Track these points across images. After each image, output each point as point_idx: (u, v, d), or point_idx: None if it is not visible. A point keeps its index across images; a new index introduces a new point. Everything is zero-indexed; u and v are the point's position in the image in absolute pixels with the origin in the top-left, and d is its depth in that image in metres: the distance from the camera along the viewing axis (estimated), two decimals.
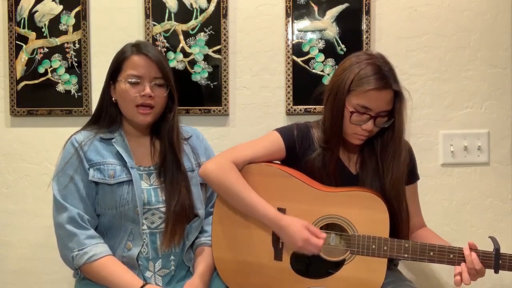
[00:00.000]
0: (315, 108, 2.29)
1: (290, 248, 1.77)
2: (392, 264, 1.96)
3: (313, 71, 2.31)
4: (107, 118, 1.89)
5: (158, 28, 2.30)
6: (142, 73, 1.83)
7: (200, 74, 2.31)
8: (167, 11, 2.30)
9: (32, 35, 2.30)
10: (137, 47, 1.86)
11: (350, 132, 1.81)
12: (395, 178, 1.82)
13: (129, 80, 1.82)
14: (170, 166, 1.87)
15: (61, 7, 2.30)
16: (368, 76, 1.74)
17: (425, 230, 1.97)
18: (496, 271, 1.67)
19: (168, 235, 1.83)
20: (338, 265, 1.76)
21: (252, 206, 1.76)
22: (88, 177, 1.79)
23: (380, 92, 1.74)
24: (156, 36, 2.30)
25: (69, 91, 2.31)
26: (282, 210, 1.80)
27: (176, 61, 2.30)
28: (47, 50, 2.30)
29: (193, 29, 2.30)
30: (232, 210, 1.84)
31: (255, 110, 2.35)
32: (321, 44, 2.31)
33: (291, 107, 2.31)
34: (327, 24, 2.31)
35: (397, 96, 1.78)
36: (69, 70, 2.30)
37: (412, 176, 1.94)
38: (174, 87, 1.89)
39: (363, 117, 1.76)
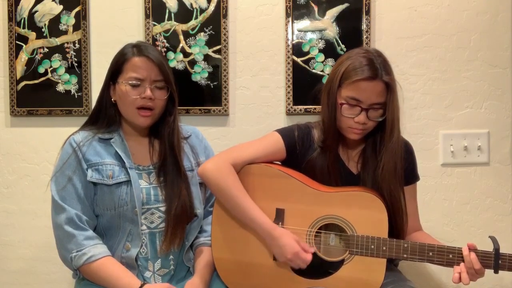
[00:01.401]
0: (315, 108, 2.29)
1: (279, 259, 1.77)
2: (392, 264, 1.96)
3: (313, 71, 2.31)
4: (106, 118, 1.88)
5: (158, 28, 2.30)
6: (143, 76, 1.82)
7: (200, 74, 2.31)
8: (167, 11, 2.30)
9: (32, 35, 2.30)
10: (138, 48, 1.85)
11: (345, 126, 1.80)
12: (385, 170, 1.80)
13: (130, 82, 1.81)
14: (170, 168, 1.87)
15: (61, 7, 2.30)
16: (358, 68, 1.74)
17: (420, 233, 1.96)
18: (496, 271, 1.66)
19: (169, 237, 1.82)
20: (337, 265, 1.76)
21: (246, 213, 1.77)
22: (87, 178, 1.79)
23: (369, 82, 1.73)
24: (156, 36, 2.30)
25: (69, 91, 2.31)
26: (281, 211, 1.80)
27: (176, 61, 2.30)
28: (47, 50, 2.30)
29: (193, 29, 2.30)
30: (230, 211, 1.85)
31: (255, 110, 2.35)
32: (321, 44, 2.31)
33: (291, 107, 2.31)
34: (327, 24, 2.31)
35: (389, 88, 1.77)
36: (69, 70, 2.31)
37: (411, 176, 1.94)
38: (175, 89, 1.89)
39: (354, 109, 1.76)
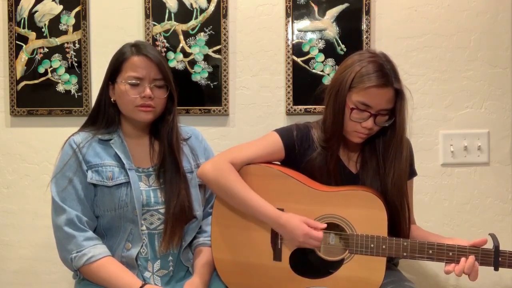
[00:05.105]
0: (315, 108, 2.29)
1: (291, 244, 1.77)
2: (392, 263, 1.96)
3: (313, 71, 2.31)
4: (105, 118, 1.88)
5: (158, 28, 2.30)
6: (142, 75, 1.82)
7: (200, 74, 2.31)
8: (167, 11, 2.30)
9: (32, 35, 2.30)
10: (136, 48, 1.85)
11: (350, 130, 1.81)
12: (397, 177, 1.82)
13: (129, 81, 1.81)
14: (169, 168, 1.87)
15: (61, 7, 2.30)
16: (369, 74, 1.74)
17: (413, 228, 1.96)
18: (496, 269, 1.67)
19: (168, 236, 1.82)
20: (337, 264, 1.76)
21: (251, 206, 1.77)
22: (87, 179, 1.79)
23: (381, 89, 1.74)
24: (156, 36, 2.30)
25: (69, 91, 2.31)
26: (280, 211, 1.80)
27: (176, 61, 2.31)
28: (47, 50, 2.31)
29: (193, 29, 2.31)
30: (231, 211, 1.84)
31: (255, 110, 2.35)
32: (321, 44, 2.31)
33: (291, 107, 2.31)
34: (327, 24, 2.31)
35: (398, 95, 1.78)
36: (69, 70, 2.31)
37: (410, 172, 1.93)
38: (174, 88, 1.88)
39: (363, 114, 1.76)
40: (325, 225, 1.74)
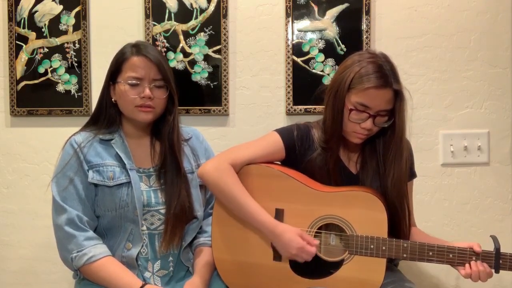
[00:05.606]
0: (315, 108, 2.29)
1: (283, 255, 1.77)
2: (392, 264, 1.96)
3: (313, 71, 2.31)
4: (106, 119, 1.88)
5: (158, 28, 2.30)
6: (141, 75, 1.82)
7: (200, 74, 2.31)
8: (167, 11, 2.30)
9: (32, 35, 2.30)
10: (137, 48, 1.85)
11: (350, 131, 1.81)
12: (396, 178, 1.82)
13: (129, 81, 1.81)
14: (170, 168, 1.87)
15: (61, 7, 2.30)
16: (368, 74, 1.73)
17: (414, 230, 1.97)
18: (497, 271, 1.67)
19: (168, 236, 1.83)
20: (337, 265, 1.76)
21: (248, 212, 1.77)
22: (88, 179, 1.79)
23: (380, 90, 1.74)
24: (156, 36, 2.30)
25: (69, 91, 2.31)
26: (280, 211, 1.80)
27: (176, 61, 2.30)
28: (47, 50, 2.30)
29: (193, 29, 2.30)
30: (231, 211, 1.84)
31: (255, 110, 2.35)
32: (321, 44, 2.31)
33: (291, 107, 2.31)
34: (327, 24, 2.31)
35: (398, 96, 1.77)
36: (69, 70, 2.31)
37: (410, 174, 1.94)
38: (174, 88, 1.88)
39: (362, 115, 1.76)
40: (318, 242, 1.75)
